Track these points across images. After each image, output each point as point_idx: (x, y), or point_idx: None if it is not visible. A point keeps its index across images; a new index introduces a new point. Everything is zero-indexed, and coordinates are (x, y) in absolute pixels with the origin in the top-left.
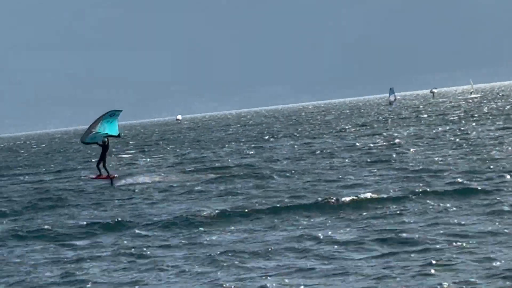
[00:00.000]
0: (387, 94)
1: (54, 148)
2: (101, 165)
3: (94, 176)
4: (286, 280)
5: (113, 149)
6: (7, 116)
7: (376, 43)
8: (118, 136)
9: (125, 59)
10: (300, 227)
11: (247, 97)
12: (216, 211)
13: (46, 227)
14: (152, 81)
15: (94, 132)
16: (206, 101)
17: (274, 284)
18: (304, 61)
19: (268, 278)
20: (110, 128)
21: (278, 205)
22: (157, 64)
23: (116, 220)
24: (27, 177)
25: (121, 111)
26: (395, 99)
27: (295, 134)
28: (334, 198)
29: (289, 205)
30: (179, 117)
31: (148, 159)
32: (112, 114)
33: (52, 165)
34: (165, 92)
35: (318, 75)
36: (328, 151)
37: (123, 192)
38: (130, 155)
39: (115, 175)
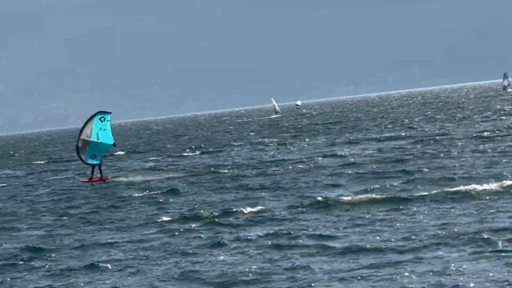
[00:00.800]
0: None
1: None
2: (96, 168)
3: (86, 180)
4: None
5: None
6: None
7: None
8: (113, 145)
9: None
10: None
11: (383, 80)
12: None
13: None
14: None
15: (89, 142)
16: (341, 85)
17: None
18: (439, 43)
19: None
20: (105, 137)
21: None
22: (294, 46)
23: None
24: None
25: (111, 113)
26: (508, 84)
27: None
28: None
29: None
30: (299, 102)
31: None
32: (102, 118)
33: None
34: (299, 75)
35: (454, 57)
36: None
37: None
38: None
39: (108, 177)
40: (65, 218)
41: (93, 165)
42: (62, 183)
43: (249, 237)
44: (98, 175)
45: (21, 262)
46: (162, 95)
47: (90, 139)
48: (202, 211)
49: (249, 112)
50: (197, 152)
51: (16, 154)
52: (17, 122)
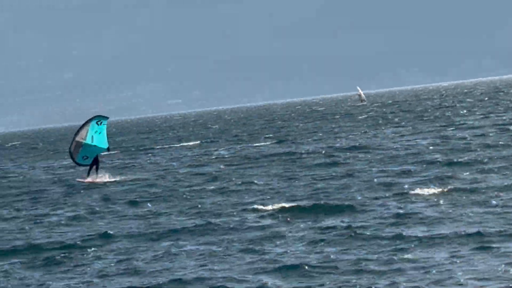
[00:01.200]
0: None
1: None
2: (93, 169)
3: (85, 180)
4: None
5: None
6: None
7: None
8: (107, 150)
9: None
10: None
11: (454, 69)
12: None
13: None
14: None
15: (83, 144)
16: (416, 72)
17: None
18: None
19: None
20: (99, 140)
21: None
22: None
23: None
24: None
25: (108, 118)
26: None
27: None
28: None
29: None
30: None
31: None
32: (99, 122)
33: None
34: (379, 64)
35: None
36: None
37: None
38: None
39: (96, 180)
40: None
41: (90, 165)
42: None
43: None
44: (94, 175)
45: None
46: (234, 84)
47: (84, 141)
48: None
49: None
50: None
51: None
52: (87, 112)
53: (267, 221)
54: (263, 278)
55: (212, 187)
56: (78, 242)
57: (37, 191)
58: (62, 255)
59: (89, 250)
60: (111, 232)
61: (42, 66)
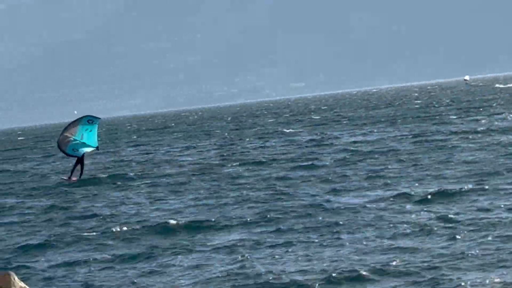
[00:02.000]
0: None
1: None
2: (78, 166)
3: (67, 179)
4: None
5: None
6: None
7: None
8: (96, 148)
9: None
10: None
11: None
12: None
13: None
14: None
15: (72, 141)
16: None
17: None
18: None
19: None
20: (89, 138)
21: None
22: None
23: None
24: None
25: (100, 118)
26: None
27: None
28: None
29: None
30: (467, 77)
31: None
32: (90, 121)
33: None
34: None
35: None
36: None
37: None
38: None
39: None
40: None
41: (78, 158)
42: None
43: None
44: (77, 176)
45: None
46: (356, 67)
47: (73, 137)
48: None
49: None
50: None
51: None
52: (211, 95)
53: None
54: None
55: None
56: None
57: None
58: None
59: None
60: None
61: (166, 49)
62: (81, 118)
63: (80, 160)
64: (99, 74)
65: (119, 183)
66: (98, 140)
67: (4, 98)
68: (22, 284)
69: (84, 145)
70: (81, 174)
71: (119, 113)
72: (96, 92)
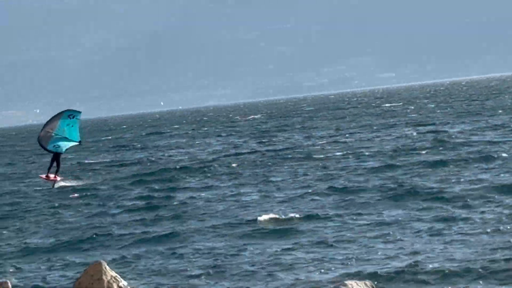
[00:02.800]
0: None
1: None
2: (53, 166)
3: (52, 176)
4: None
5: None
6: None
7: None
8: (79, 143)
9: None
10: None
11: None
12: None
13: None
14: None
15: (53, 136)
16: None
17: None
18: None
19: None
20: (71, 133)
21: None
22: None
23: None
24: None
25: (80, 112)
26: None
27: None
28: None
29: None
30: None
31: None
32: (71, 115)
33: None
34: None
35: None
36: None
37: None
38: None
39: (57, 178)
40: None
41: (54, 155)
42: None
43: None
44: (53, 172)
45: None
46: (443, 59)
47: (53, 132)
48: None
49: None
50: None
51: None
52: (301, 85)
53: None
54: None
55: None
56: None
57: None
58: None
59: None
60: None
61: (256, 39)
62: (62, 112)
63: (56, 156)
64: (186, 64)
65: None
66: (80, 135)
67: (97, 87)
68: (113, 273)
69: (66, 139)
70: (57, 170)
71: (206, 103)
72: (184, 82)
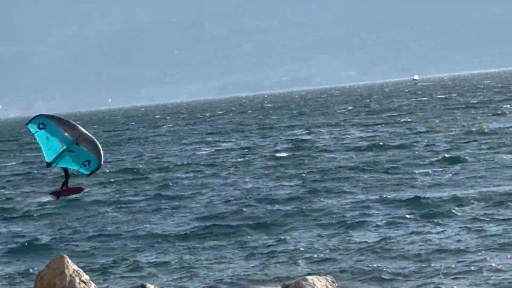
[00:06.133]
0: None
1: None
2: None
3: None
4: None
5: None
6: None
7: None
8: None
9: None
10: None
11: None
12: None
13: None
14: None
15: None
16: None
17: None
18: None
19: None
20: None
21: None
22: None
23: None
24: None
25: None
26: None
27: None
28: None
29: None
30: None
31: None
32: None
33: None
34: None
35: None
36: None
37: None
38: None
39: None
40: None
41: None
42: None
43: None
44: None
45: None
46: (403, 59)
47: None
48: None
49: None
50: None
51: None
52: (262, 82)
53: None
54: None
55: None
56: None
57: None
58: None
59: None
60: None
61: (223, 36)
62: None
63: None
64: (156, 61)
65: None
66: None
67: (64, 84)
68: (75, 267)
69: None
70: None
71: (175, 99)
72: (152, 79)
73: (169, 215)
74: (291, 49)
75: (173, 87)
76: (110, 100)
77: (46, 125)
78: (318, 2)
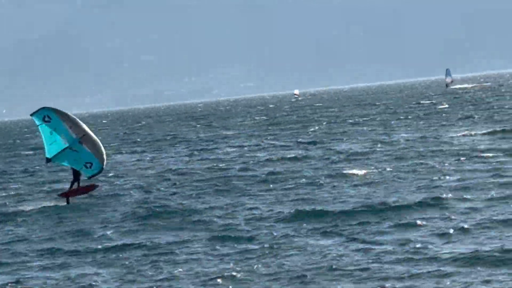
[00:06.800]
0: None
1: None
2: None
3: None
4: None
5: None
6: None
7: None
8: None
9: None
10: None
11: None
12: None
13: None
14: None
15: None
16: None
17: None
18: None
19: None
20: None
21: None
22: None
23: None
24: None
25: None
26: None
27: None
28: None
29: None
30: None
31: None
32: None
33: None
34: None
35: None
36: None
37: None
38: None
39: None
40: None
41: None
42: None
43: None
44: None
45: None
46: (306, 69)
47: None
48: None
49: None
50: None
51: None
52: (161, 94)
53: None
54: None
55: None
56: None
57: None
58: None
59: None
60: None
61: (120, 48)
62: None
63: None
64: (58, 72)
65: None
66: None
67: None
68: None
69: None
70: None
71: (73, 111)
72: (54, 90)
73: None
74: (190, 61)
75: (69, 100)
76: (4, 111)
77: (51, 118)
78: (218, 15)
